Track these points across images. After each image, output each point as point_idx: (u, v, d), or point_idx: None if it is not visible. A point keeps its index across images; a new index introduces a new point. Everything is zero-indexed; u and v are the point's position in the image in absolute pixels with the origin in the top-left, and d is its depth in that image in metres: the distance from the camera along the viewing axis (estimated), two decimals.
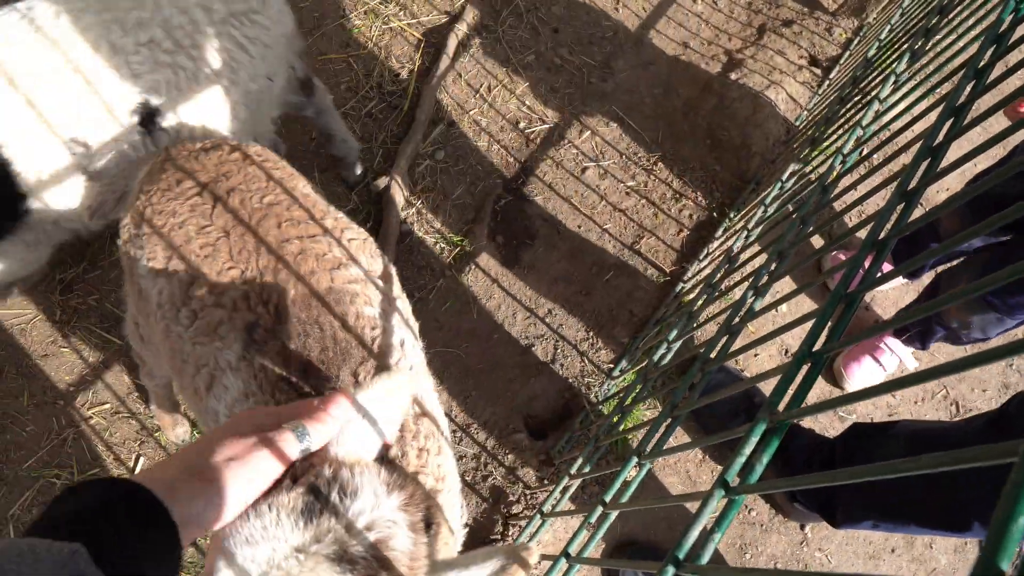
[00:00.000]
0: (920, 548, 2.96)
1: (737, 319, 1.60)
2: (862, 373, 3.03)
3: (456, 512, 1.50)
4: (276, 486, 1.11)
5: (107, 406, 2.50)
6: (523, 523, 2.36)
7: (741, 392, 2.79)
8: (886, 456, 2.31)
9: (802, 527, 2.85)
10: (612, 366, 2.73)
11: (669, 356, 2.20)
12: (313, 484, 1.08)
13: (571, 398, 2.66)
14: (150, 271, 1.59)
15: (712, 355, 1.62)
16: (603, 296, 2.86)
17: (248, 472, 1.00)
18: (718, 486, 1.04)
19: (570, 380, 2.69)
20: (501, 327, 2.74)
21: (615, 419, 2.26)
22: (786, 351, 3.06)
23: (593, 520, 1.51)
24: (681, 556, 0.99)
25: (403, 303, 1.66)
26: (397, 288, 1.67)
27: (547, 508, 1.99)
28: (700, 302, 2.28)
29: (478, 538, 2.41)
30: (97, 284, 2.65)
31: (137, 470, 2.43)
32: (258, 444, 1.02)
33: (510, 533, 2.37)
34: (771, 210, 2.53)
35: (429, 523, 1.26)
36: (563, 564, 1.48)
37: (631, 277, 2.93)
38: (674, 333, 2.21)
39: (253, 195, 1.59)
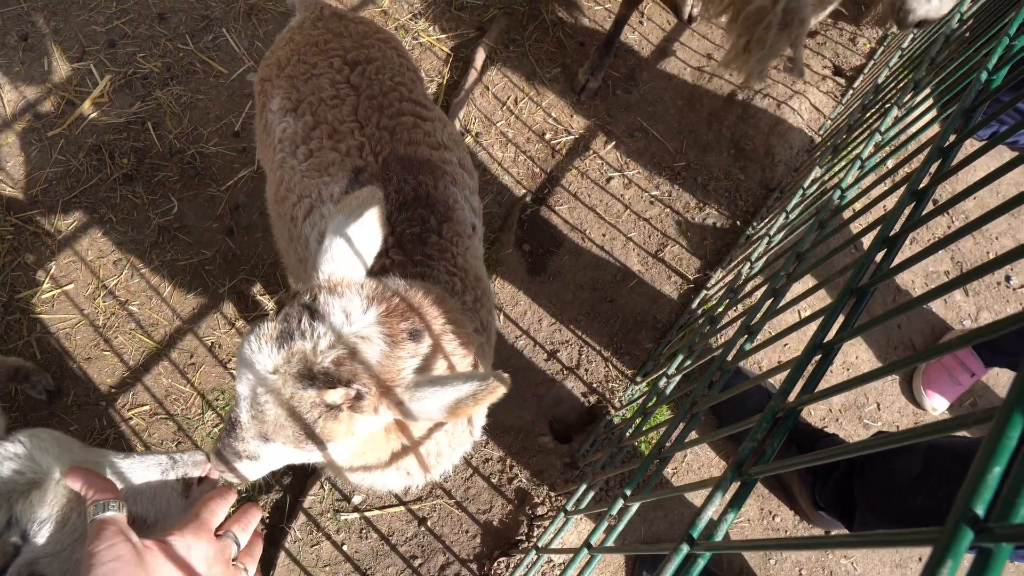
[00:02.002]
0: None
1: (756, 319, 1.64)
2: (941, 389, 3.02)
3: (488, 361, 1.66)
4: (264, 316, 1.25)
5: (146, 408, 2.60)
6: (547, 523, 2.40)
7: (763, 394, 2.81)
8: (904, 467, 2.30)
9: (827, 534, 2.85)
10: (635, 371, 2.76)
11: (688, 361, 2.24)
12: (287, 313, 1.23)
13: (595, 403, 2.70)
14: (280, 109, 1.86)
15: (730, 356, 1.66)
16: (627, 303, 2.90)
17: None
18: (732, 470, 1.08)
19: (595, 385, 2.73)
20: (528, 332, 2.79)
21: (638, 420, 2.30)
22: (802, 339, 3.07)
23: (615, 512, 1.55)
24: (695, 535, 1.03)
25: (476, 201, 1.91)
26: (474, 191, 1.92)
27: (570, 507, 2.03)
28: (721, 307, 2.32)
29: (503, 538, 2.45)
30: (138, 291, 2.76)
31: None
32: None
33: (535, 534, 2.41)
34: (793, 215, 2.56)
35: (417, 333, 1.32)
36: (585, 555, 1.52)
37: (655, 284, 2.97)
38: (695, 339, 2.25)
39: (386, 72, 1.87)
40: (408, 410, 1.24)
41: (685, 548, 1.01)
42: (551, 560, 2.43)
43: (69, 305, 2.72)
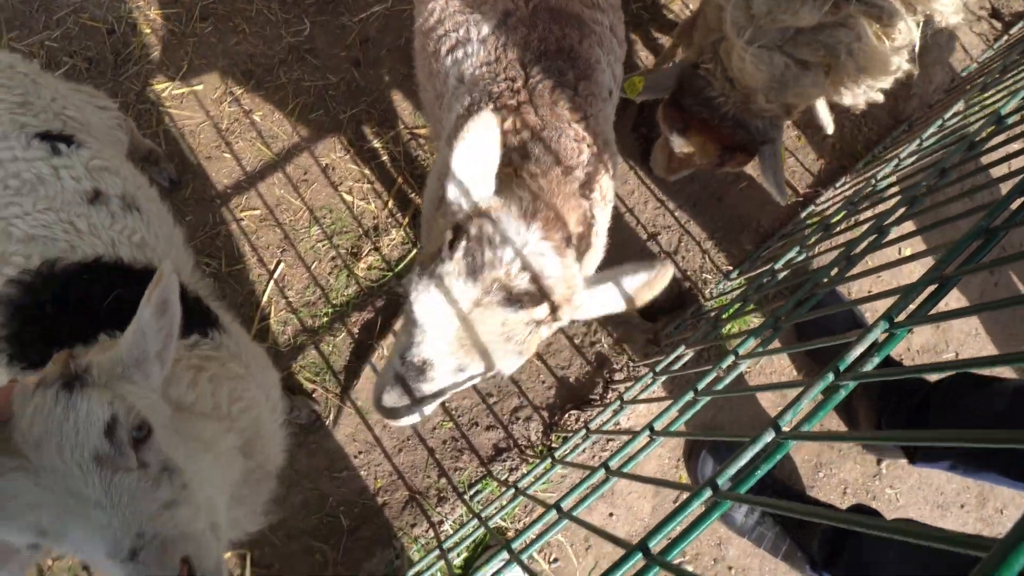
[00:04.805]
0: (991, 510, 2.95)
1: (889, 221, 1.63)
2: None
3: (605, 224, 1.69)
4: (437, 255, 1.28)
5: (257, 212, 2.70)
6: (624, 387, 2.47)
7: (850, 322, 2.80)
8: (985, 405, 2.28)
9: (879, 461, 2.88)
10: (731, 269, 2.78)
11: (801, 256, 2.24)
12: (468, 247, 1.27)
13: (686, 290, 2.73)
14: None
15: (833, 273, 1.66)
16: (734, 203, 2.89)
17: None
18: (831, 371, 1.07)
19: (689, 273, 2.75)
20: (632, 211, 2.81)
21: (730, 311, 2.33)
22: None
23: (724, 365, 1.59)
24: (782, 426, 1.04)
25: (620, 70, 1.90)
26: (620, 59, 1.91)
27: (660, 368, 2.07)
28: (838, 217, 2.30)
29: (576, 395, 2.54)
30: (263, 102, 2.83)
31: (276, 275, 2.64)
32: None
33: (608, 397, 2.49)
34: (928, 143, 2.49)
35: (570, 237, 1.41)
36: (646, 434, 1.56)
37: (764, 191, 2.94)
38: (792, 252, 2.24)
39: None
40: (588, 310, 1.32)
41: (771, 434, 1.03)
42: (604, 443, 2.51)
43: (196, 105, 2.80)
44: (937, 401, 2.47)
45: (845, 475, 2.82)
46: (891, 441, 0.86)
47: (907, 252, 3.09)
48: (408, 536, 2.42)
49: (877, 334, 1.10)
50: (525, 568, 1.28)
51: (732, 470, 1.03)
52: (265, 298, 2.61)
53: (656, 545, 0.96)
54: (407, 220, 2.72)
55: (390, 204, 2.74)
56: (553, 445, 2.49)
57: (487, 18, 1.76)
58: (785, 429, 1.05)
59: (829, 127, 2.43)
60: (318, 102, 2.83)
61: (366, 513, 2.43)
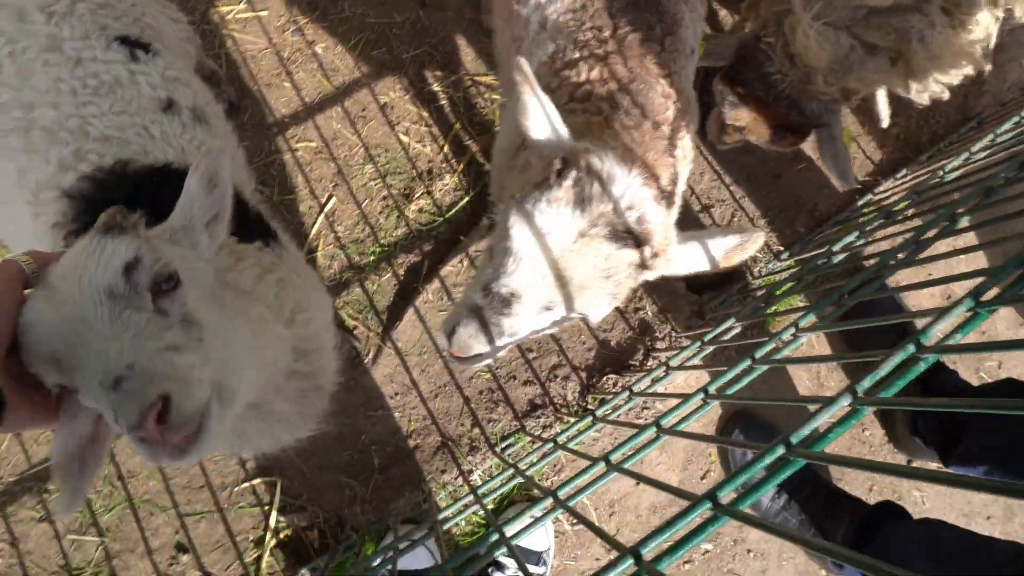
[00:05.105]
0: (1017, 525, 2.92)
1: (931, 234, 1.59)
2: None
3: (683, 184, 1.67)
4: (544, 182, 1.25)
5: (313, 144, 2.69)
6: (663, 356, 2.46)
7: (893, 304, 2.77)
8: None
9: (909, 461, 2.85)
10: (781, 249, 2.74)
11: (860, 241, 2.20)
12: (578, 178, 1.24)
13: (735, 265, 2.70)
14: None
15: (901, 255, 1.63)
16: (792, 183, 2.84)
17: None
18: (912, 343, 1.04)
19: None
20: (688, 180, 2.77)
21: (783, 288, 2.30)
22: (948, 296, 2.99)
23: (742, 367, 1.56)
24: (794, 441, 1.00)
25: (700, 28, 1.88)
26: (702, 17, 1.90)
27: (708, 339, 2.05)
28: (901, 205, 2.25)
29: (616, 359, 2.53)
30: (326, 34, 2.79)
31: (327, 209, 2.63)
32: None
33: (649, 364, 2.48)
34: (1003, 138, 2.42)
35: (663, 191, 1.39)
36: (700, 397, 1.53)
37: (824, 174, 2.88)
38: (850, 237, 2.20)
39: None
40: (679, 265, 1.30)
41: (781, 449, 1.00)
42: (640, 409, 2.50)
43: (260, 30, 2.78)
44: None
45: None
46: (915, 479, 0.83)
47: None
48: (437, 482, 2.44)
49: (907, 353, 1.05)
50: (575, 514, 1.28)
51: (738, 482, 1.02)
52: (314, 231, 2.61)
53: (650, 552, 0.94)
54: (461, 167, 2.70)
55: (446, 149, 2.71)
56: (589, 406, 2.48)
57: None
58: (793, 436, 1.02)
59: (885, 120, 2.37)
60: (381, 39, 2.80)
61: (398, 454, 2.45)
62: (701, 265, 1.31)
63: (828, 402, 1.04)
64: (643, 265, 1.26)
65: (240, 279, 1.36)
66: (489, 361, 1.36)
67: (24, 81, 1.51)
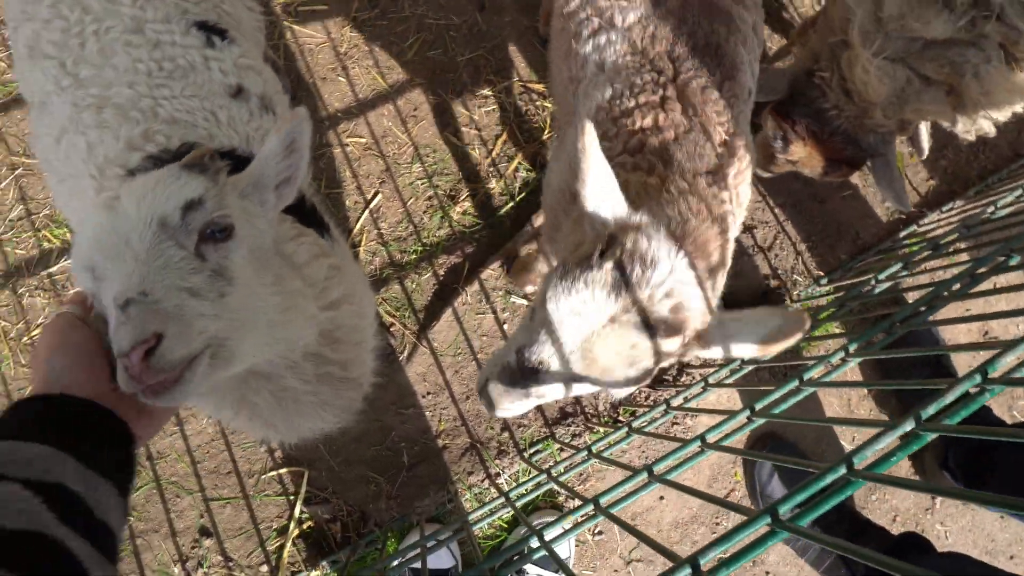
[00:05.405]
0: None
1: (986, 269, 1.58)
2: None
3: (736, 231, 1.64)
4: (586, 260, 1.26)
5: (363, 140, 2.72)
6: (697, 374, 2.46)
7: (931, 338, 2.75)
8: None
9: (934, 497, 2.83)
10: (821, 275, 2.73)
11: (905, 271, 2.20)
12: (619, 260, 1.23)
13: (774, 287, 2.69)
14: None
15: (946, 292, 1.63)
16: (836, 209, 2.83)
17: None
18: (979, 372, 1.05)
19: (779, 271, 2.71)
20: None
21: (825, 313, 2.29)
22: (986, 333, 2.96)
23: (788, 388, 1.56)
24: (856, 463, 1.01)
25: (757, 68, 1.84)
26: (757, 59, 1.85)
27: (713, 378, 2.05)
28: (950, 237, 2.25)
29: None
30: (384, 32, 2.83)
31: (372, 205, 2.66)
32: None
33: (682, 379, 2.48)
34: None
35: (713, 268, 1.37)
36: (746, 414, 1.53)
37: (867, 203, 2.88)
38: (896, 267, 2.19)
39: None
40: (716, 352, 1.28)
41: (842, 469, 1.01)
42: (670, 424, 2.50)
43: (319, 24, 2.82)
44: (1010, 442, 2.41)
45: (898, 503, 2.78)
46: (973, 501, 0.83)
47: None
48: (463, 483, 2.45)
49: (973, 383, 1.06)
50: (619, 522, 1.29)
51: (796, 500, 1.02)
52: (358, 226, 2.64)
53: (708, 563, 0.96)
54: (509, 171, 2.72)
55: (494, 153, 2.73)
56: (620, 418, 2.49)
57: (635, 6, 1.71)
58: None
59: (925, 151, 2.36)
60: (438, 40, 2.83)
61: (426, 453, 2.46)
62: (742, 352, 1.28)
63: (891, 426, 1.05)
64: (676, 352, 1.25)
65: (297, 252, 1.38)
66: (517, 413, 1.36)
67: (105, 59, 1.55)
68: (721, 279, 1.48)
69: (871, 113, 2.06)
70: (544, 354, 1.24)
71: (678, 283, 1.24)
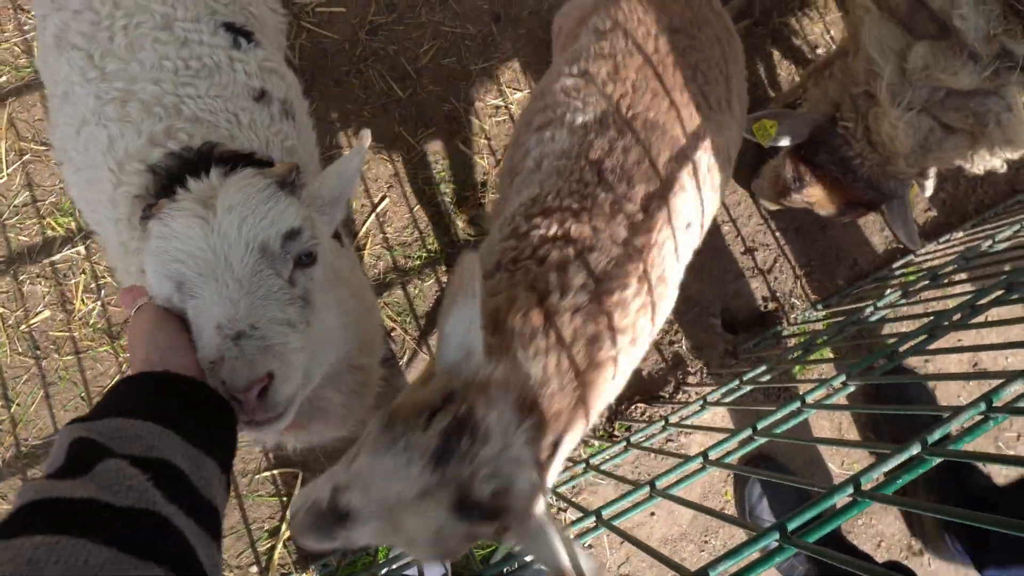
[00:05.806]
0: None
1: (987, 300, 1.62)
2: None
3: (629, 369, 1.53)
4: (416, 417, 1.11)
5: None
6: (693, 392, 2.49)
7: (922, 394, 2.80)
8: None
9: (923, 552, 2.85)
10: (818, 299, 2.78)
11: (902, 300, 2.24)
12: (446, 429, 1.09)
13: (772, 310, 2.73)
14: (593, 28, 1.82)
15: (946, 322, 1.66)
16: (837, 236, 2.87)
17: None
18: (984, 399, 1.08)
19: (778, 294, 2.76)
20: (735, 221, 2.81)
21: (822, 339, 2.33)
22: (975, 364, 3.01)
23: (790, 409, 1.58)
24: (863, 484, 1.04)
25: (714, 202, 1.78)
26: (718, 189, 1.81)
27: (747, 377, 2.09)
28: (948, 268, 2.29)
29: (646, 389, 2.56)
30: (399, 37, 2.85)
31: (379, 209, 2.68)
32: None
33: (678, 397, 2.51)
34: None
35: (558, 442, 1.26)
36: (748, 433, 1.54)
37: (866, 231, 2.92)
38: (895, 295, 2.24)
39: (697, 57, 1.74)
40: (526, 548, 1.18)
41: (850, 489, 1.03)
42: (663, 441, 2.52)
43: (336, 26, 2.84)
44: (1012, 498, 2.42)
45: (884, 528, 2.82)
46: (987, 526, 0.85)
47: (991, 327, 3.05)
48: None
49: (978, 410, 1.09)
50: (622, 534, 1.31)
51: (805, 517, 1.03)
52: (364, 230, 2.65)
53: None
54: None
55: (502, 164, 2.76)
56: (615, 432, 2.51)
57: (587, 108, 1.67)
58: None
59: (929, 191, 2.41)
60: (453, 48, 2.86)
61: None
62: (540, 560, 1.14)
63: (898, 450, 1.08)
64: (487, 535, 1.13)
65: (342, 266, 1.40)
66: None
67: (133, 54, 1.56)
68: (557, 462, 1.33)
69: (894, 161, 2.11)
70: (354, 503, 1.09)
71: (508, 463, 1.11)
